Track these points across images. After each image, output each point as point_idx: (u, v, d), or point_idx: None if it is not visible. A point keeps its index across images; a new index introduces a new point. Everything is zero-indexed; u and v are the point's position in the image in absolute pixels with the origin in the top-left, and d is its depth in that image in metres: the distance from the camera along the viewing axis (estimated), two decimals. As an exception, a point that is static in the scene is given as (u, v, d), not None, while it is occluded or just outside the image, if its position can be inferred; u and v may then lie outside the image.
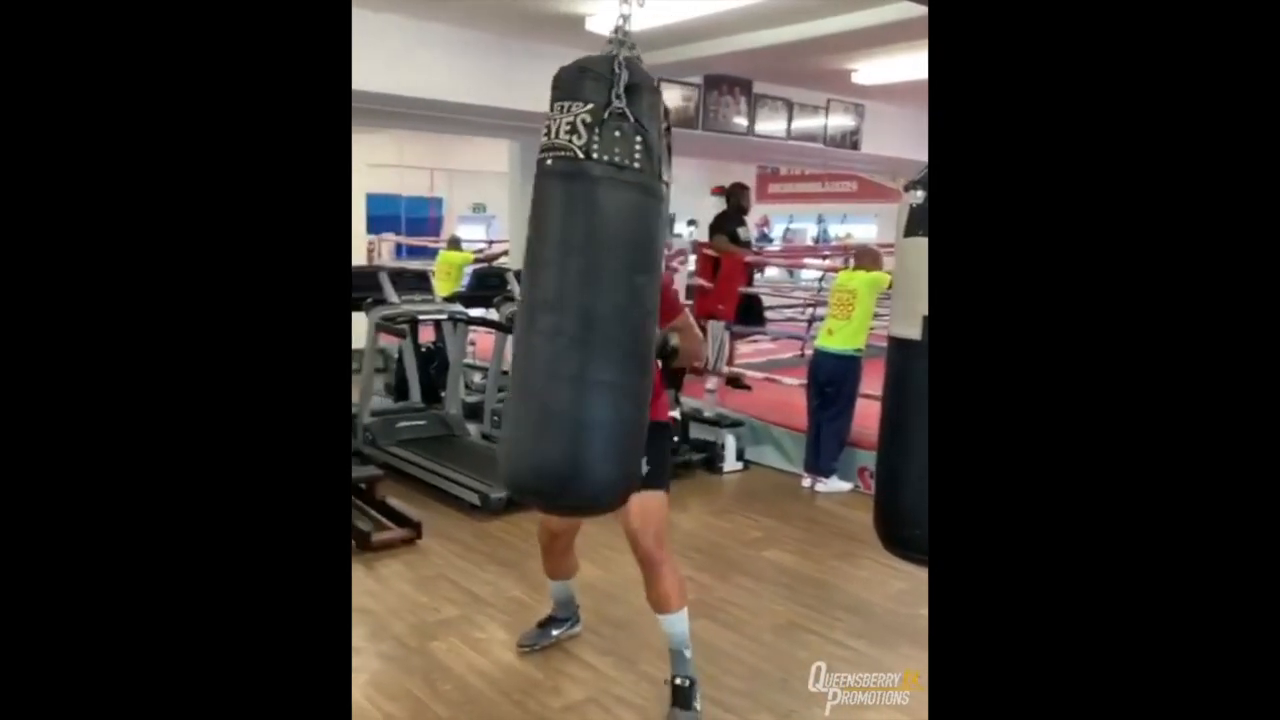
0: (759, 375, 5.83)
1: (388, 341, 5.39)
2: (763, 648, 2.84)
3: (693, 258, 6.20)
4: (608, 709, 2.45)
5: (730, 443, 4.92)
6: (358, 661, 2.65)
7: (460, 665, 2.67)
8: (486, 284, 5.66)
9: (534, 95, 4.69)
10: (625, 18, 1.52)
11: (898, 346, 1.75)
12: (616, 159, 1.48)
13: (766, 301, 6.49)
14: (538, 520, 2.55)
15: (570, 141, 1.48)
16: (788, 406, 4.98)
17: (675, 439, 4.80)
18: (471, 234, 9.39)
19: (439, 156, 8.92)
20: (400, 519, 3.74)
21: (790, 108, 6.20)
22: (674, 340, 2.09)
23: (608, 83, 1.48)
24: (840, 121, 6.65)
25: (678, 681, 2.35)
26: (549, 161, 1.52)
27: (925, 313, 1.73)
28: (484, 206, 11.02)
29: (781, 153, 7.18)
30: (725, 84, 5.83)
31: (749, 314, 6.11)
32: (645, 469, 1.99)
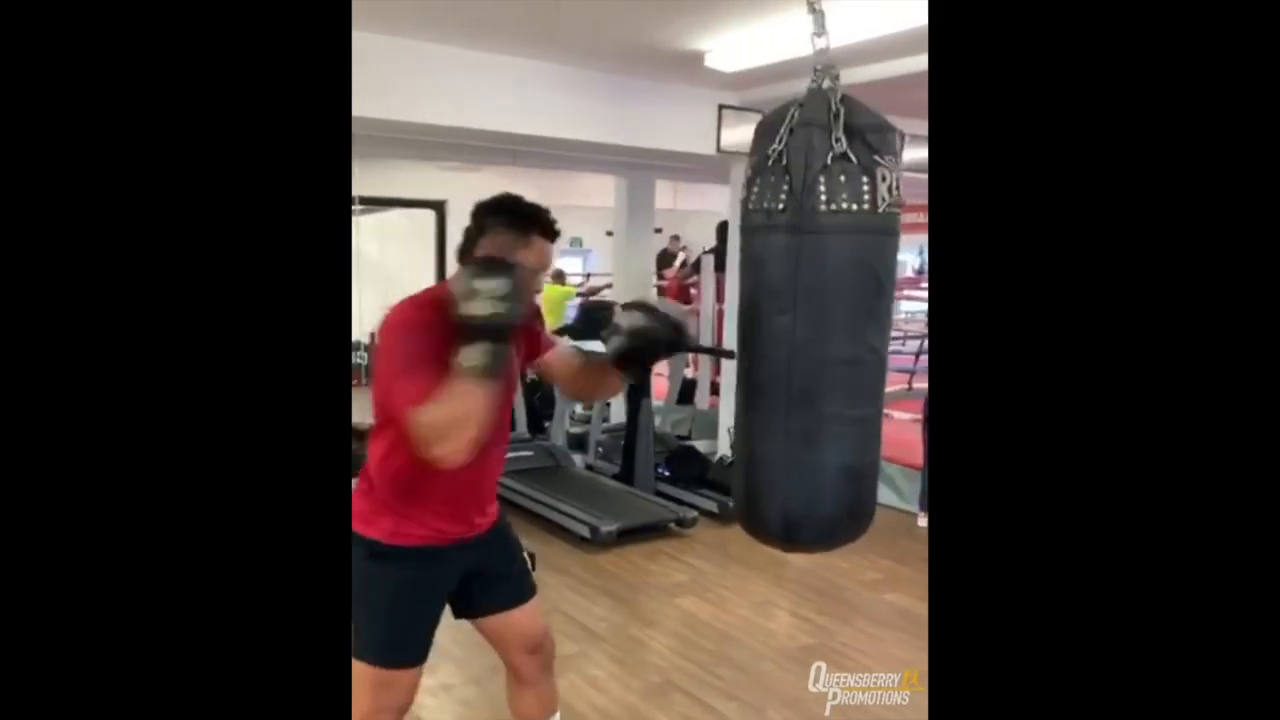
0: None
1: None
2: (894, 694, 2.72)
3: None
4: (731, 757, 2.38)
5: (839, 479, 4.79)
6: (481, 697, 2.65)
7: (581, 703, 2.64)
8: (593, 317, 5.66)
9: (648, 130, 4.72)
10: (823, 50, 1.41)
11: None
12: (843, 204, 1.36)
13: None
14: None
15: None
16: (898, 441, 4.82)
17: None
18: (570, 267, 9.51)
19: (542, 192, 8.99)
20: (512, 550, 3.77)
21: (902, 139, 6.05)
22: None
23: (825, 128, 1.36)
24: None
25: None
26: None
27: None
28: (580, 240, 11.15)
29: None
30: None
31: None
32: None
